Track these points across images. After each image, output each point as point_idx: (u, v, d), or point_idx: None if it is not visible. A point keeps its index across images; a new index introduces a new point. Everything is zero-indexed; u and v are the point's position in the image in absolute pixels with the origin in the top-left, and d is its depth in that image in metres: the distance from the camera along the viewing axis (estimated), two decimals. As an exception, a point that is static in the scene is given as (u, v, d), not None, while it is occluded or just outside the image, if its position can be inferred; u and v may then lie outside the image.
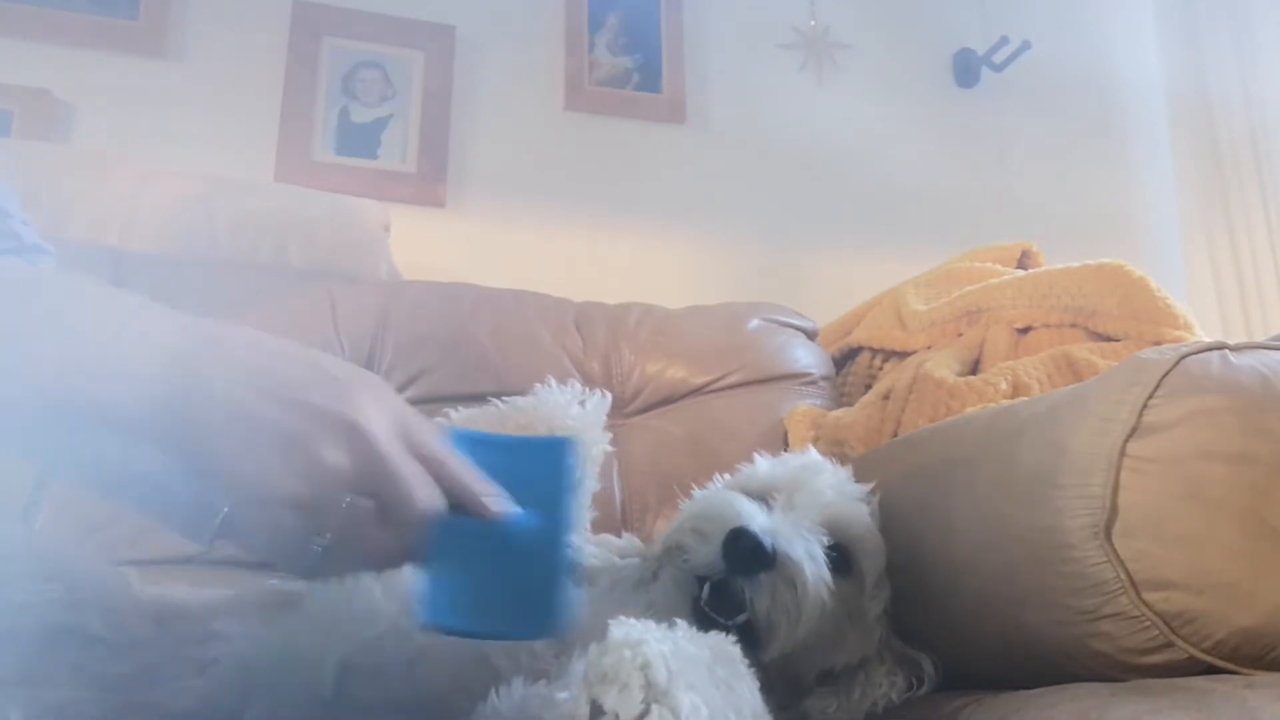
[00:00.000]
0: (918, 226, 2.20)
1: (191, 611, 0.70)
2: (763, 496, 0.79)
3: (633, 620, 0.51)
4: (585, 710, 0.47)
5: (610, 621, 0.51)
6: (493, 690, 0.59)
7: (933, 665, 0.78)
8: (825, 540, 0.74)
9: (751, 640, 0.70)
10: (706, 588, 0.72)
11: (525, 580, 0.55)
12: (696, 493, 0.88)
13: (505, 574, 0.55)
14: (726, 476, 0.88)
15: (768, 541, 0.70)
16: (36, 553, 0.67)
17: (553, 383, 0.85)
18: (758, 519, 0.73)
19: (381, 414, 0.52)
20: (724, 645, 0.56)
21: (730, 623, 0.70)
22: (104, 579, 0.69)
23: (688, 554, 0.74)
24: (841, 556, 0.76)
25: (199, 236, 1.43)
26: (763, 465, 0.85)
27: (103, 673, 0.64)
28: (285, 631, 0.67)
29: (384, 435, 0.52)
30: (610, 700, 0.46)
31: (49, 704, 0.61)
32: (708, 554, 0.72)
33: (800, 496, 0.77)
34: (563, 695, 0.54)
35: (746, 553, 0.70)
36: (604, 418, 0.84)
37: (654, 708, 0.46)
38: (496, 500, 0.55)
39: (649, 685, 0.47)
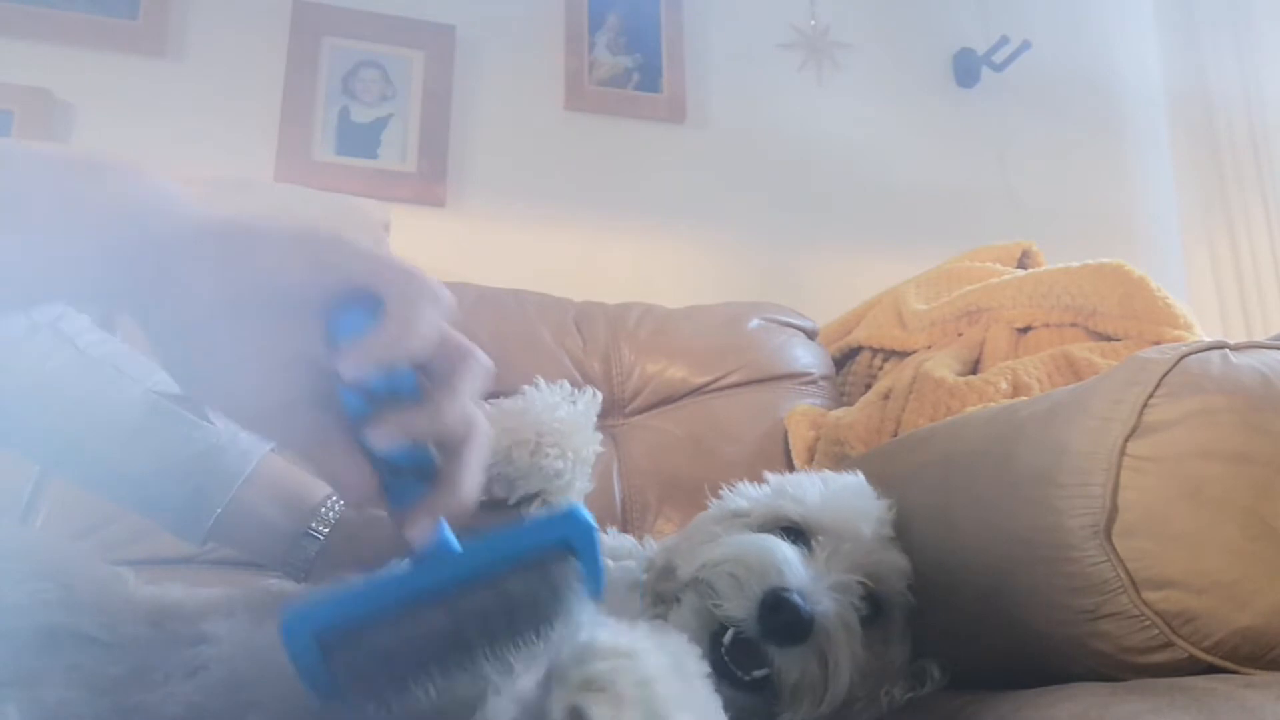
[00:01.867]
0: (918, 226, 2.20)
1: (185, 611, 0.69)
2: (802, 531, 0.75)
3: (613, 621, 0.48)
4: (562, 716, 0.43)
5: (587, 620, 0.48)
6: (489, 697, 0.58)
7: (939, 669, 0.76)
8: (862, 607, 0.71)
9: (768, 694, 0.67)
10: (730, 634, 0.68)
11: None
12: (722, 499, 0.83)
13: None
14: (764, 488, 0.83)
15: (806, 611, 0.65)
16: (33, 552, 0.67)
17: (541, 383, 0.81)
18: (799, 576, 0.68)
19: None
20: (683, 653, 0.49)
21: (748, 676, 0.66)
22: (100, 578, 0.69)
23: (719, 599, 0.69)
24: (874, 607, 0.73)
25: (199, 236, 1.43)
26: (810, 493, 0.78)
27: (97, 673, 0.64)
28: (276, 641, 0.66)
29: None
30: (599, 711, 0.42)
31: (44, 703, 0.61)
32: (741, 607, 0.68)
33: (846, 546, 0.73)
34: (514, 707, 0.51)
35: (783, 625, 0.66)
36: (595, 418, 0.79)
37: None
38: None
39: (646, 703, 0.43)
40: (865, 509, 0.76)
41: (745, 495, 0.83)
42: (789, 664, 0.66)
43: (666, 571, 0.80)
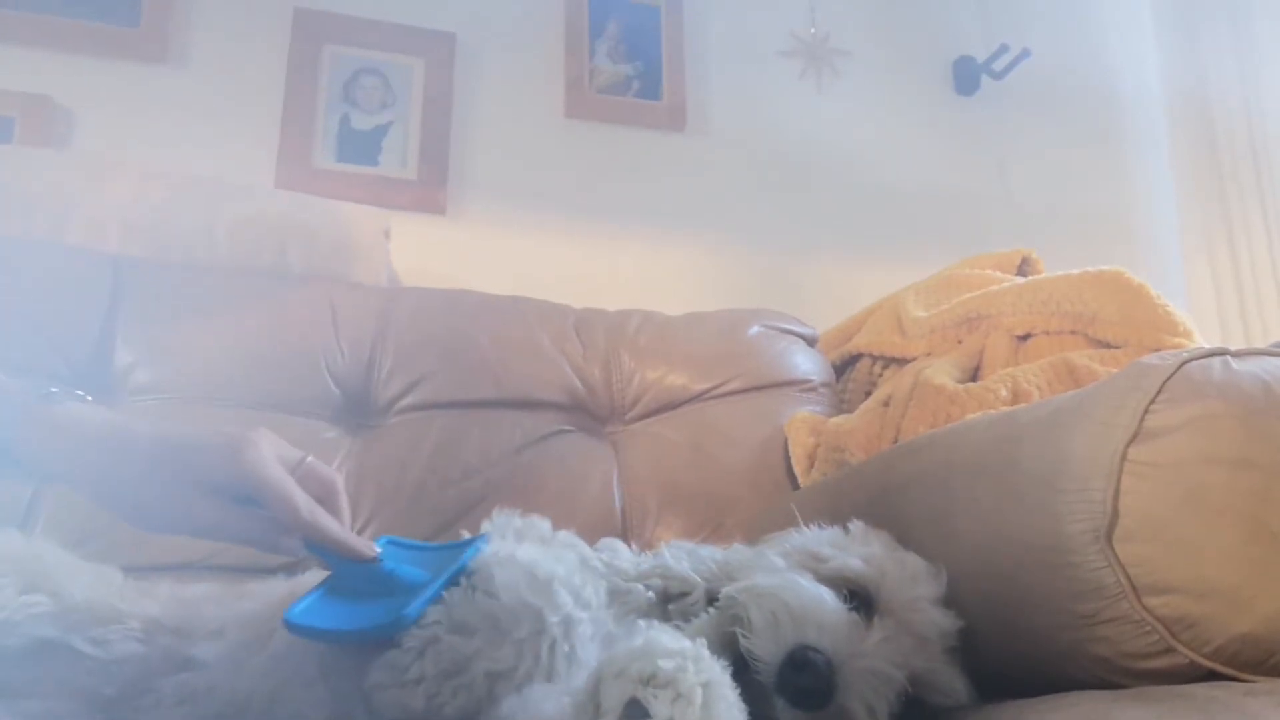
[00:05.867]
0: (918, 233, 2.20)
1: (174, 624, 0.70)
2: (869, 601, 0.69)
3: (671, 629, 0.49)
4: (618, 706, 0.44)
5: (643, 622, 0.49)
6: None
7: None
8: (896, 704, 0.64)
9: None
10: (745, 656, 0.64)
11: (373, 609, 0.65)
12: (800, 532, 0.78)
13: (360, 599, 0.67)
14: (835, 531, 0.77)
15: (828, 683, 0.61)
16: (24, 562, 0.67)
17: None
18: (838, 643, 0.63)
19: (268, 446, 0.67)
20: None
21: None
22: (90, 589, 0.69)
23: (748, 631, 0.65)
24: (910, 709, 0.66)
25: (199, 242, 1.43)
26: (889, 567, 0.71)
27: (88, 689, 0.64)
28: (260, 671, 0.67)
29: (265, 456, 0.66)
30: (660, 706, 0.43)
31: (36, 714, 0.61)
32: (767, 649, 0.63)
33: (907, 641, 0.66)
34: (564, 699, 0.53)
35: (800, 686, 0.61)
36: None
37: None
38: (361, 543, 0.68)
39: (707, 706, 0.44)
40: (939, 619, 0.69)
41: (827, 541, 0.76)
42: None
43: (689, 583, 0.77)
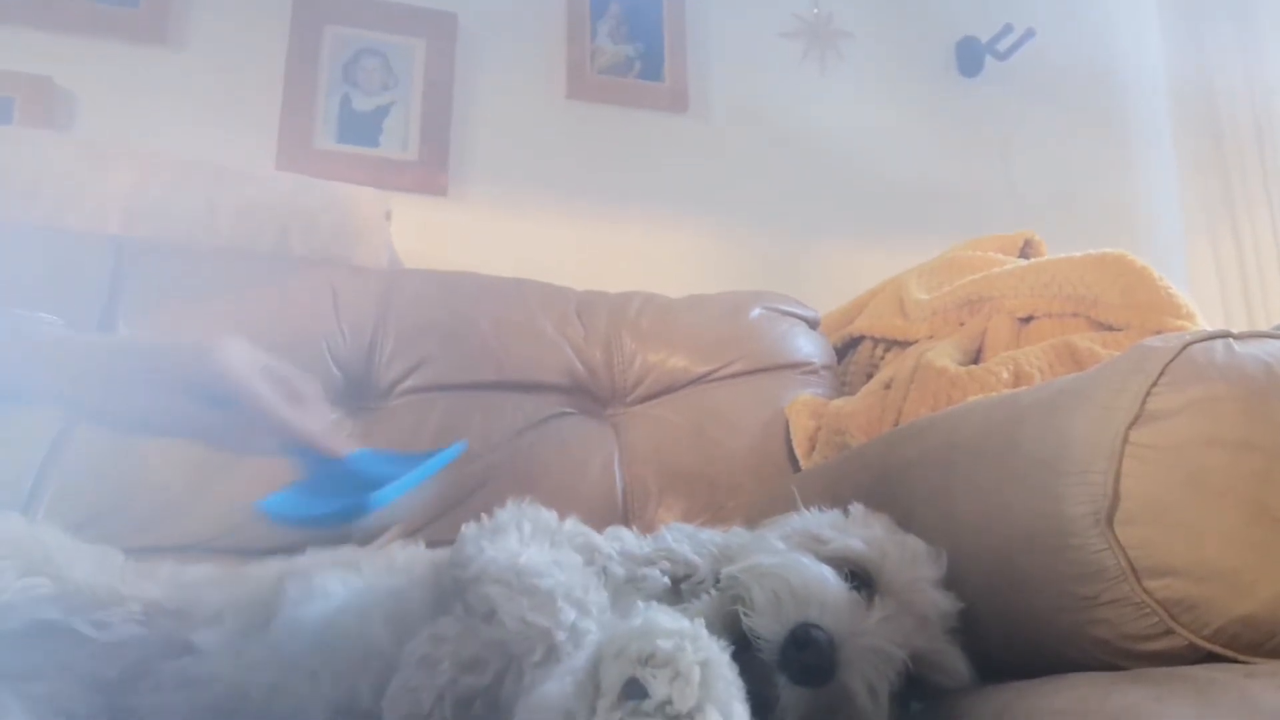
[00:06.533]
0: (920, 215, 2.20)
1: (174, 606, 0.70)
2: (869, 581, 0.69)
3: (671, 610, 0.49)
4: (617, 685, 0.44)
5: (643, 603, 0.49)
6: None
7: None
8: (897, 683, 0.64)
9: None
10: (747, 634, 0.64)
11: (351, 498, 0.66)
12: (801, 515, 0.78)
13: (336, 488, 0.68)
14: (835, 513, 0.77)
15: (830, 660, 0.61)
16: (25, 546, 0.67)
17: None
18: (839, 621, 0.63)
19: (238, 350, 0.68)
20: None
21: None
22: (91, 572, 0.69)
23: (750, 609, 0.65)
24: (911, 688, 0.66)
25: (200, 224, 1.43)
26: (890, 549, 0.71)
27: (90, 672, 0.65)
28: (258, 659, 0.67)
29: (234, 356, 0.67)
30: (659, 685, 0.43)
31: (39, 696, 0.61)
32: (769, 627, 0.63)
33: (908, 621, 0.66)
34: (565, 680, 0.53)
35: (803, 663, 0.61)
36: None
37: (708, 708, 0.43)
38: (336, 440, 0.70)
39: (706, 684, 0.43)
40: (939, 600, 0.69)
41: (827, 523, 0.76)
42: (794, 704, 0.62)
43: (691, 565, 0.77)
